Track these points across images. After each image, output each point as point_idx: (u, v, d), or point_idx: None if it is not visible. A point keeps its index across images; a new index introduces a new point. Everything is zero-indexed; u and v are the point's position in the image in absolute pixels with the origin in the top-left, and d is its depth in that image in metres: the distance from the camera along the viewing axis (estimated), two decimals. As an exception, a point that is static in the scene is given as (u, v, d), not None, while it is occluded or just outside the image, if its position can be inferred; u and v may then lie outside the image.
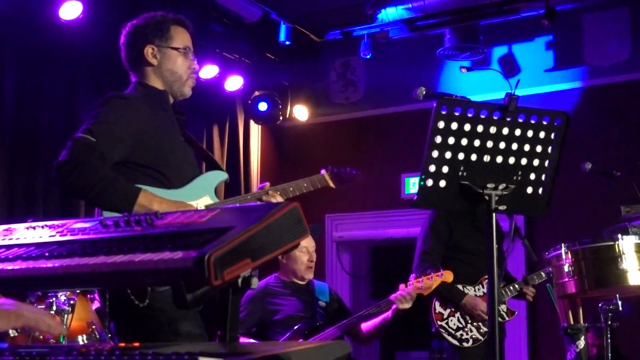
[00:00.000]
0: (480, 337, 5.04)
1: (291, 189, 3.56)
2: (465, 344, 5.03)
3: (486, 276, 5.10)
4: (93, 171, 2.90)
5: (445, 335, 5.05)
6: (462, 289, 5.07)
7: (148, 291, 2.71)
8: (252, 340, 4.78)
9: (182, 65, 3.29)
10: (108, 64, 6.04)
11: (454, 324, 5.06)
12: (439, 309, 5.09)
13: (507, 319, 5.17)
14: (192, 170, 3.27)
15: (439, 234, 5.16)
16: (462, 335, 5.05)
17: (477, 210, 3.08)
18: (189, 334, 2.92)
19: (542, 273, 5.09)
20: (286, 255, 4.93)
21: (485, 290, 5.11)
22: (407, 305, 4.78)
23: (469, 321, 5.06)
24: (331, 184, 3.89)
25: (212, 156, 3.52)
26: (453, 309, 5.08)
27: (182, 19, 3.39)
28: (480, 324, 5.05)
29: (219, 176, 3.33)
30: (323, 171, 3.89)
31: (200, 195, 3.21)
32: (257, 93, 7.55)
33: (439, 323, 5.06)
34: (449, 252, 5.17)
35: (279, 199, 3.44)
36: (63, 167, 2.92)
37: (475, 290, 5.11)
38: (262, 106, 7.50)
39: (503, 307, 5.14)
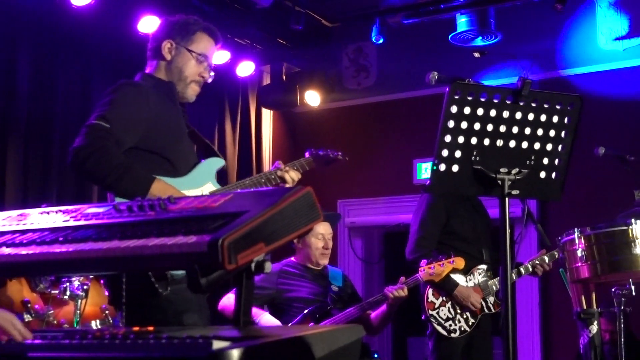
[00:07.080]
0: (467, 329, 5.06)
1: (278, 173, 3.56)
2: (452, 335, 5.05)
3: (478, 266, 5.14)
4: (110, 157, 2.93)
5: (435, 325, 5.05)
6: (453, 278, 5.05)
7: (169, 278, 2.72)
8: (263, 312, 4.82)
9: (191, 69, 3.33)
10: (121, 49, 6.05)
11: (444, 314, 5.06)
12: (431, 297, 5.08)
13: (493, 310, 5.14)
14: (194, 161, 3.32)
15: (437, 219, 5.13)
16: (450, 325, 5.05)
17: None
18: (194, 326, 2.93)
19: (545, 257, 5.03)
20: (301, 240, 4.97)
21: (475, 280, 5.11)
22: (402, 294, 4.81)
23: (459, 312, 5.06)
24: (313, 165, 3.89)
25: (210, 144, 3.54)
26: (445, 299, 5.07)
27: (213, 29, 3.42)
28: (468, 315, 5.05)
29: (218, 162, 3.38)
30: (307, 154, 3.91)
31: (204, 182, 3.26)
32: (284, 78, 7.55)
33: (430, 312, 5.06)
34: (443, 237, 5.14)
35: (297, 174, 3.56)
36: (80, 152, 2.94)
37: (466, 281, 5.09)
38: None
39: (491, 299, 5.13)
